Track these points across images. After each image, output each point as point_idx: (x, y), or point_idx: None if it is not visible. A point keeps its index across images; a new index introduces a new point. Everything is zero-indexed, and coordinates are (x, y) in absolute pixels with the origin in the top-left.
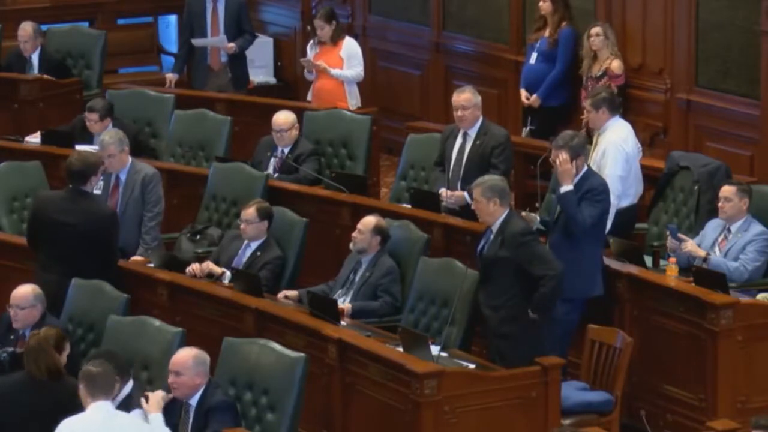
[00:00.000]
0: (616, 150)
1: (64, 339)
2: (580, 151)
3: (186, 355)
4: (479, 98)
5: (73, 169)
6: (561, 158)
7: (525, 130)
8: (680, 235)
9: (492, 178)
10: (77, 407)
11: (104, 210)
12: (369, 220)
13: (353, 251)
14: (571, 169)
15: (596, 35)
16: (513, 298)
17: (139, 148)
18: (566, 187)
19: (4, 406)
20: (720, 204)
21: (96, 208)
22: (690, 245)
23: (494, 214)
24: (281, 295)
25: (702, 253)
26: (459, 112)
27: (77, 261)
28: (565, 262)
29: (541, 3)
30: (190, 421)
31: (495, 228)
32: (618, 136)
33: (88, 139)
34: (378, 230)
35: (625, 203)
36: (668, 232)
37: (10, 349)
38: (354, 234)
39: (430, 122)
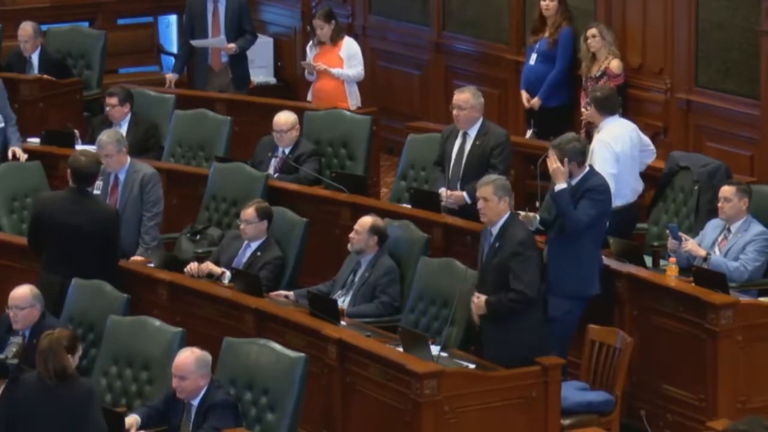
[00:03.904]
0: (603, 149)
1: (77, 341)
2: (573, 156)
3: (188, 359)
4: (481, 100)
5: (84, 172)
6: (550, 159)
7: (530, 132)
8: (681, 234)
9: (499, 178)
10: (85, 409)
11: (108, 210)
12: (365, 221)
13: (351, 252)
14: (561, 167)
15: (592, 36)
16: None
17: (147, 145)
18: (560, 186)
19: (15, 407)
20: (720, 204)
21: (99, 209)
22: (690, 244)
23: (501, 213)
24: (281, 294)
25: (702, 252)
26: (454, 111)
27: (80, 261)
28: (563, 261)
29: (546, 2)
30: (192, 420)
31: (495, 231)
32: (608, 135)
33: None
34: (374, 230)
35: (620, 203)
36: (668, 232)
37: (2, 356)
38: (351, 235)
39: (430, 122)
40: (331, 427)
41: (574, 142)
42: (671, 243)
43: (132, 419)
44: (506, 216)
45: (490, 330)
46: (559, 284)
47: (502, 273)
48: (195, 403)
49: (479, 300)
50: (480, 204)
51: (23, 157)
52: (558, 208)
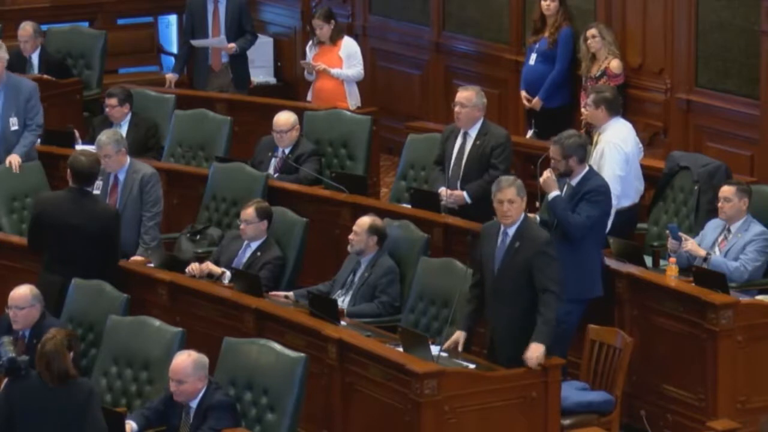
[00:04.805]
0: (614, 150)
1: (75, 338)
2: (573, 151)
3: (185, 362)
4: (483, 100)
5: (84, 172)
6: (544, 176)
7: (530, 132)
8: (681, 234)
9: (516, 178)
10: (86, 410)
11: (108, 210)
12: (364, 221)
13: (351, 252)
14: (550, 178)
15: (592, 37)
16: (526, 302)
17: (147, 145)
18: (553, 194)
19: (16, 406)
20: (720, 204)
21: (100, 208)
22: (691, 244)
23: (521, 212)
24: (281, 294)
25: (702, 252)
26: (456, 108)
27: (81, 261)
28: (566, 264)
29: (547, 2)
30: (191, 422)
31: (512, 231)
32: (616, 136)
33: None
34: (373, 230)
35: (626, 203)
36: (668, 232)
37: (12, 356)
38: (350, 236)
39: (430, 122)
40: (331, 427)
41: (575, 137)
42: (671, 243)
43: (127, 427)
44: (522, 215)
45: (514, 334)
46: None
47: (525, 272)
48: (193, 405)
49: (537, 352)
50: (505, 207)
51: (16, 166)
52: (555, 215)
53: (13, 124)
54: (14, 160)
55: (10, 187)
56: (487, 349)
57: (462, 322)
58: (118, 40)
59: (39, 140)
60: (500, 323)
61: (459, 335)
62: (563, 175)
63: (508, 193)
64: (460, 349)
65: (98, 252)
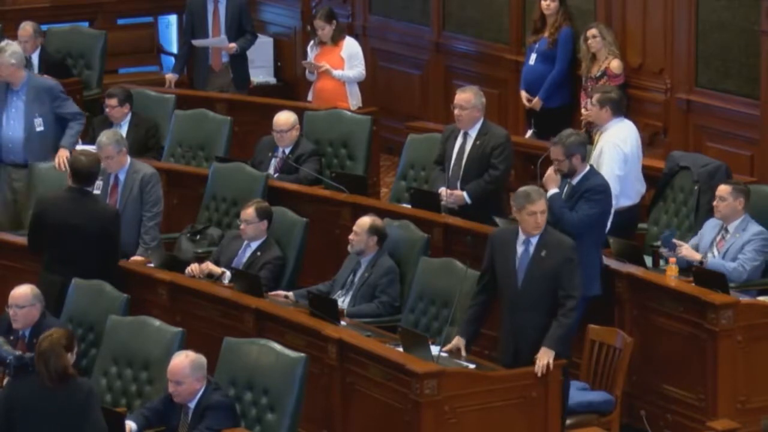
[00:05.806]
0: (613, 150)
1: (74, 338)
2: (575, 149)
3: (183, 363)
4: (482, 100)
5: (84, 171)
6: (548, 172)
7: (529, 132)
8: (675, 241)
9: (539, 187)
10: (85, 410)
11: (108, 210)
12: (364, 221)
13: (351, 252)
14: (552, 174)
15: (593, 37)
16: (551, 306)
17: (147, 145)
18: (551, 191)
19: (16, 409)
20: (715, 203)
21: (100, 209)
22: (685, 250)
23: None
24: (281, 294)
25: (698, 256)
26: (456, 111)
27: (81, 261)
28: None
29: (547, 2)
30: (189, 422)
31: (535, 240)
32: (617, 136)
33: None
34: (374, 230)
35: (625, 203)
36: (661, 242)
37: (18, 353)
38: (351, 236)
39: (430, 122)
40: (331, 427)
41: (574, 135)
42: (666, 252)
43: (127, 427)
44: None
45: (533, 336)
46: None
47: (552, 279)
48: (192, 405)
49: (546, 357)
50: (539, 218)
51: (62, 164)
52: (552, 212)
53: (38, 125)
54: (62, 156)
55: (42, 184)
56: (507, 356)
57: (462, 328)
58: (118, 40)
59: (82, 127)
60: (525, 329)
61: (459, 342)
62: (567, 175)
63: (541, 205)
64: (463, 354)
65: (98, 252)
